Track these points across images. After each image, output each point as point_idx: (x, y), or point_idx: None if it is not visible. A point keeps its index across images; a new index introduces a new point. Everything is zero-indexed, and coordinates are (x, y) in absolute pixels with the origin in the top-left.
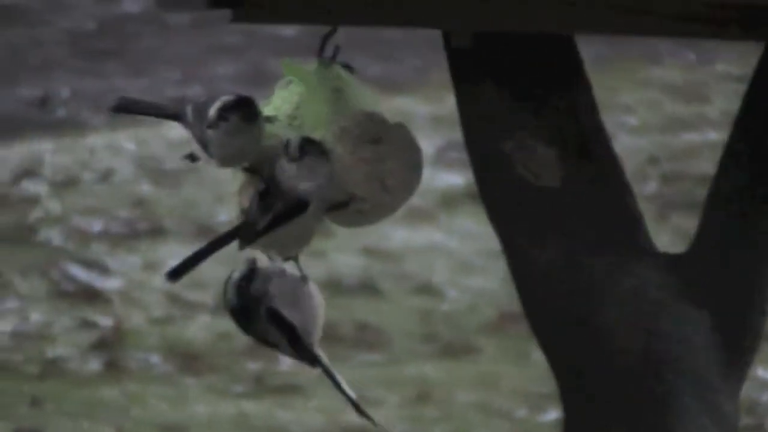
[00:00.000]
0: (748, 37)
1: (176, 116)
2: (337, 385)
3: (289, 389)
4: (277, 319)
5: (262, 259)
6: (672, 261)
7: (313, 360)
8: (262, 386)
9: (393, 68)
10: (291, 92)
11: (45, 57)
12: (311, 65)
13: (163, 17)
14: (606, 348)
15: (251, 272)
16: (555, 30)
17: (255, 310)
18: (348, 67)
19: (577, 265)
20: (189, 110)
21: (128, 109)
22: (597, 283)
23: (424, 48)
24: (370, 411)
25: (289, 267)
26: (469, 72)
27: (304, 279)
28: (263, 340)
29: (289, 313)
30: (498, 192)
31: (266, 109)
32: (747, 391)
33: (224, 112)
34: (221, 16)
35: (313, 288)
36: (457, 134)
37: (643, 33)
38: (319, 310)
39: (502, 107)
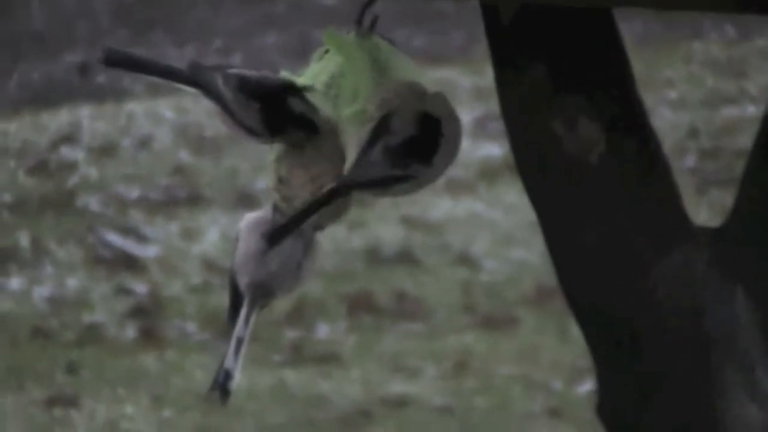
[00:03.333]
0: None
1: (194, 82)
2: (228, 351)
3: (328, 358)
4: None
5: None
6: (711, 236)
7: (232, 315)
8: (300, 355)
9: (437, 40)
10: (328, 62)
11: (91, 26)
12: (350, 35)
13: None
14: (651, 326)
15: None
16: (596, 4)
17: None
18: (388, 40)
19: (620, 242)
20: (220, 79)
21: (120, 63)
22: (641, 261)
23: (469, 21)
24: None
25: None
26: (509, 49)
27: (310, 243)
28: None
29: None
30: (542, 169)
31: (302, 78)
32: None
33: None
34: None
35: (311, 261)
36: (496, 106)
37: (686, 7)
38: (285, 283)
39: (546, 85)
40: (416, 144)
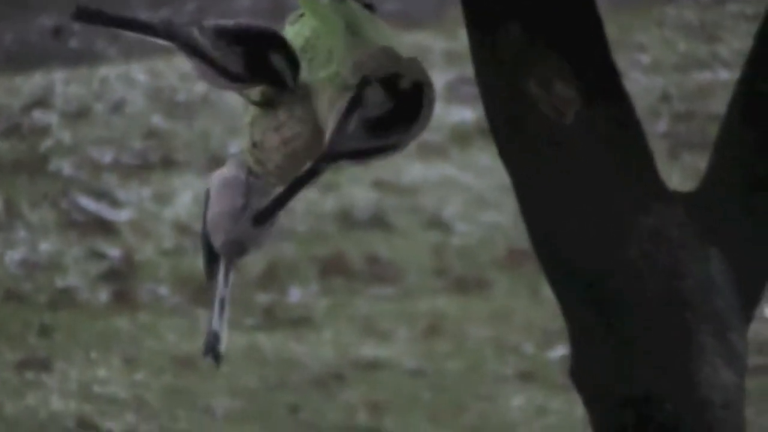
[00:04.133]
0: None
1: (169, 36)
2: (213, 313)
3: (300, 322)
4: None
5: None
6: (685, 199)
7: (210, 274)
8: (273, 318)
9: (409, 3)
10: (303, 25)
11: None
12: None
13: None
14: (626, 287)
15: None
16: None
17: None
18: (368, 6)
19: (595, 204)
20: (196, 32)
21: (93, 19)
22: (616, 222)
23: None
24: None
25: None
26: (484, 10)
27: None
28: None
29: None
30: (516, 130)
31: None
32: (758, 330)
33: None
34: None
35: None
36: (468, 69)
37: None
38: (257, 239)
39: (521, 45)
40: (393, 112)
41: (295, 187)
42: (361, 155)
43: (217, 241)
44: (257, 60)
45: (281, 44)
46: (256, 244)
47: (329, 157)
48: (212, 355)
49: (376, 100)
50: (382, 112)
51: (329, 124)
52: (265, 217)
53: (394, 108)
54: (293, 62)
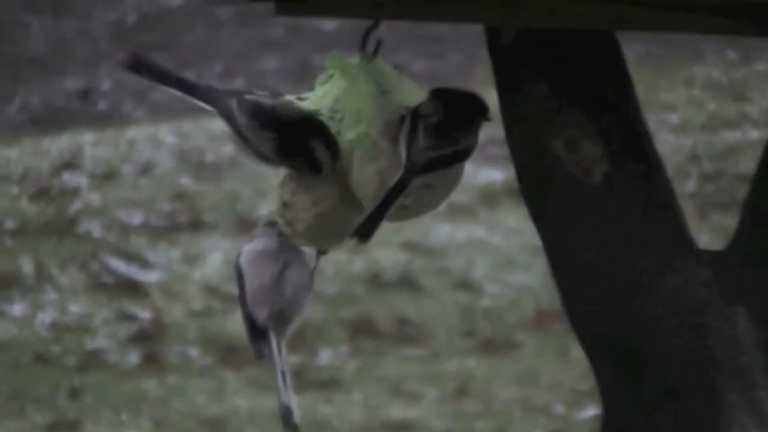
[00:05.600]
0: None
1: (210, 101)
2: (279, 388)
3: (329, 383)
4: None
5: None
6: (713, 258)
7: (259, 351)
8: (302, 380)
9: (437, 63)
10: (332, 86)
11: (91, 49)
12: (353, 59)
13: (207, 11)
14: (653, 345)
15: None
16: (599, 26)
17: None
18: (395, 66)
19: (623, 263)
20: (234, 104)
21: (142, 69)
22: (643, 281)
23: (469, 44)
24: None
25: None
26: (512, 70)
27: (311, 270)
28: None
29: (263, 288)
30: (544, 190)
31: (307, 102)
32: None
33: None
34: (265, 10)
35: (308, 281)
36: (498, 130)
37: (688, 30)
38: (300, 306)
39: (549, 105)
40: (452, 117)
41: (390, 197)
42: (437, 164)
43: (262, 315)
44: (292, 143)
45: (319, 130)
46: (299, 311)
47: (412, 169)
48: (290, 428)
49: (430, 109)
50: (441, 117)
51: (402, 146)
52: (368, 231)
53: (451, 114)
54: (332, 148)
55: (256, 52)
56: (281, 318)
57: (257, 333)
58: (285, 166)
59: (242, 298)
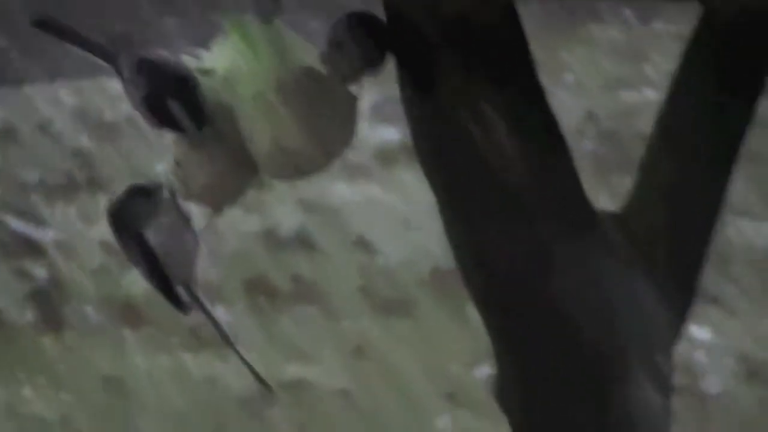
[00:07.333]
0: None
1: (106, 57)
2: (226, 340)
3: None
4: (143, 245)
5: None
6: (611, 219)
7: (183, 304)
8: (198, 339)
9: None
10: (230, 46)
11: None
12: (250, 19)
13: None
14: (556, 313)
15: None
16: None
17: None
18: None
19: (524, 232)
20: (124, 60)
21: (51, 29)
22: (544, 249)
23: (369, 4)
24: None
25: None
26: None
27: (186, 221)
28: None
29: (159, 245)
30: (443, 152)
31: (204, 62)
32: (681, 350)
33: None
34: None
35: (193, 233)
36: (393, 89)
37: None
38: (195, 256)
39: (448, 69)
40: None
41: None
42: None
43: (182, 277)
44: (156, 101)
45: (187, 90)
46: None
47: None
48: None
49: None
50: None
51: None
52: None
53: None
54: (193, 109)
55: (160, 14)
56: (189, 277)
57: (171, 290)
58: (152, 124)
59: (151, 261)
